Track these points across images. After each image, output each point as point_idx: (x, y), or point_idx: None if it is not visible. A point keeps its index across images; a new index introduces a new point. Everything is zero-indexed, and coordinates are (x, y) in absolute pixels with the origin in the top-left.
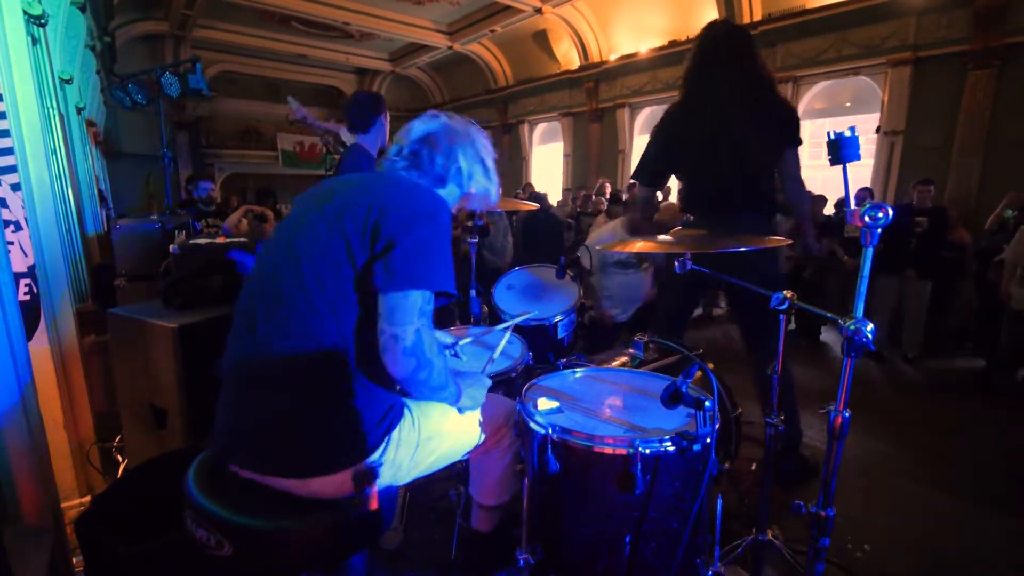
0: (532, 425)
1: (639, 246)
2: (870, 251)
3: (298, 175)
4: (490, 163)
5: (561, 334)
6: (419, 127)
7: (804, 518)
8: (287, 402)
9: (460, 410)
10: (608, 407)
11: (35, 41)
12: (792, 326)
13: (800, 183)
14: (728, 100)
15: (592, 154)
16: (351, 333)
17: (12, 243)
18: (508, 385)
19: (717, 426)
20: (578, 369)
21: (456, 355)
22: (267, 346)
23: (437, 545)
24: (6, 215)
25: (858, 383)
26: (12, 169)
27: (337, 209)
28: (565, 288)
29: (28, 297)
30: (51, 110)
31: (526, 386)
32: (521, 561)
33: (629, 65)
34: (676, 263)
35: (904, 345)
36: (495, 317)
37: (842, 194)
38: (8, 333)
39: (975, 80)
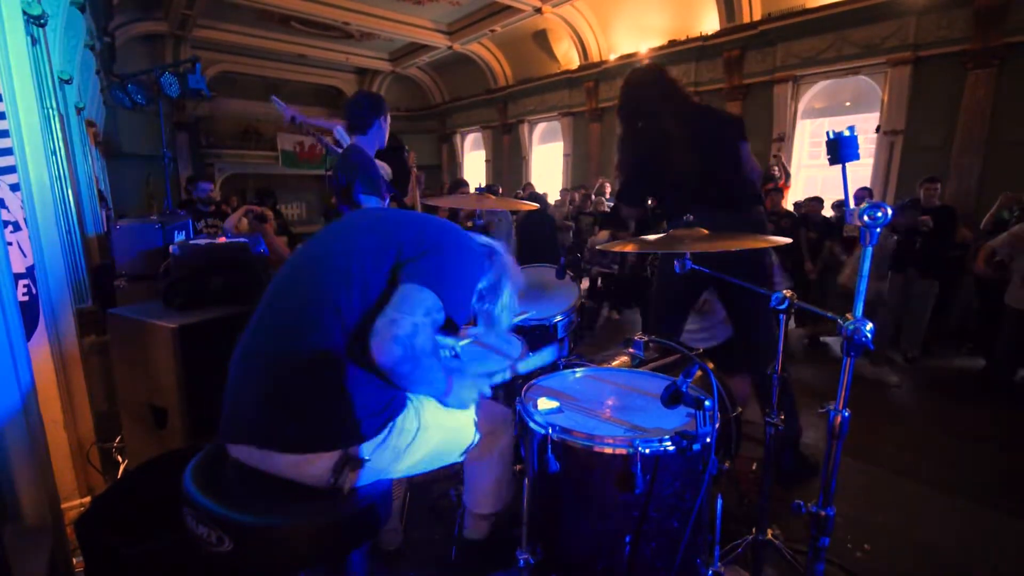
0: (532, 425)
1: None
2: (869, 251)
3: (298, 175)
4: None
5: (561, 334)
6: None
7: (804, 518)
8: (294, 382)
9: (445, 404)
10: (608, 407)
11: (35, 41)
12: (792, 325)
13: (755, 165)
14: (676, 121)
15: (592, 154)
16: (359, 326)
17: (11, 244)
18: (508, 385)
19: (717, 426)
20: (578, 369)
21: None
22: (290, 337)
23: (437, 545)
24: (5, 216)
25: (857, 383)
26: (11, 169)
27: (392, 221)
28: (565, 288)
29: (27, 298)
30: (51, 110)
31: (526, 386)
32: (521, 561)
33: (629, 65)
34: (676, 263)
35: (903, 345)
36: None
37: (841, 194)
38: (8, 334)
39: (975, 80)
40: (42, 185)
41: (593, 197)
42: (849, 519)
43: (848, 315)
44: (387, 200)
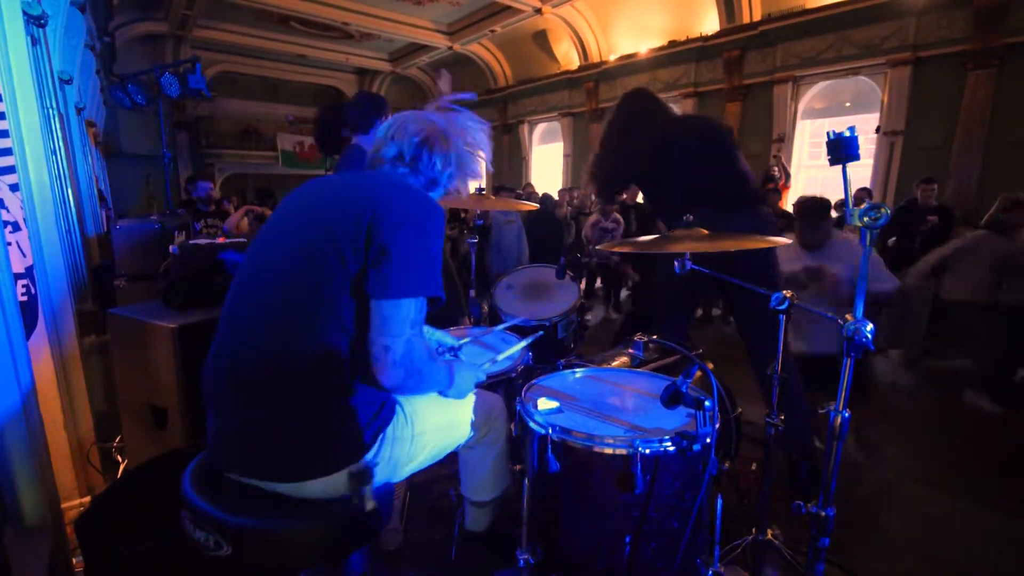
0: (532, 425)
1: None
2: (868, 251)
3: (298, 175)
4: (476, 163)
5: (561, 334)
6: (415, 127)
7: (804, 518)
8: (277, 407)
9: (444, 394)
10: (608, 407)
11: (35, 41)
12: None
13: (748, 171)
14: (664, 131)
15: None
16: (341, 334)
17: (10, 244)
18: (508, 385)
19: (717, 426)
20: (578, 369)
21: (456, 356)
22: (255, 350)
23: (437, 545)
24: (5, 216)
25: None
26: (11, 170)
27: (330, 210)
28: (565, 288)
29: (26, 298)
30: (51, 110)
31: (526, 386)
32: (521, 561)
33: (629, 65)
34: (676, 263)
35: (903, 345)
36: (495, 318)
37: (841, 194)
38: (8, 334)
39: (975, 80)
40: (42, 185)
41: (593, 197)
42: (849, 519)
43: (848, 316)
44: None
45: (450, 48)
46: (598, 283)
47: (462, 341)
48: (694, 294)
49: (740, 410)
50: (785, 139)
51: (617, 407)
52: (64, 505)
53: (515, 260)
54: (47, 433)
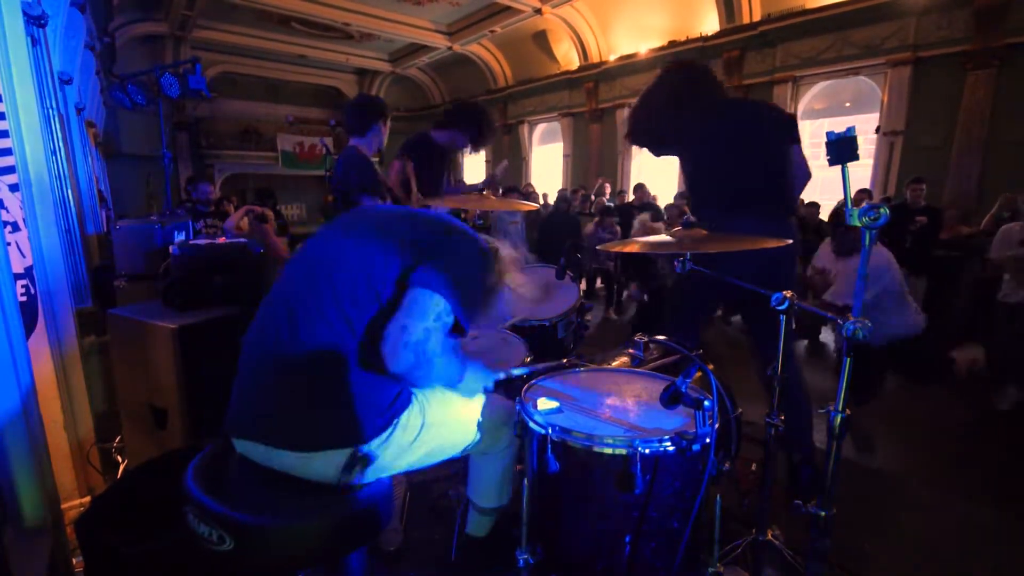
0: (532, 425)
1: (637, 247)
2: (867, 252)
3: (298, 175)
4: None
5: (561, 334)
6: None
7: (804, 518)
8: (302, 381)
9: (452, 389)
10: (608, 407)
11: (35, 41)
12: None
13: (806, 169)
14: (714, 115)
15: (592, 154)
16: (373, 328)
17: (10, 244)
18: (508, 385)
19: (717, 426)
20: (578, 369)
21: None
22: (296, 335)
23: (437, 545)
24: (4, 216)
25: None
26: (11, 170)
27: (398, 220)
28: (565, 288)
29: (26, 298)
30: (51, 110)
31: (526, 386)
32: (521, 561)
33: (629, 65)
34: (676, 263)
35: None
36: None
37: (841, 195)
38: (8, 334)
39: (975, 80)
40: (42, 185)
41: (593, 197)
42: (849, 519)
43: (848, 315)
44: (387, 200)
45: (450, 48)
46: (598, 283)
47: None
48: (705, 300)
49: (740, 410)
50: None
51: (617, 407)
52: (64, 505)
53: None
54: (47, 433)
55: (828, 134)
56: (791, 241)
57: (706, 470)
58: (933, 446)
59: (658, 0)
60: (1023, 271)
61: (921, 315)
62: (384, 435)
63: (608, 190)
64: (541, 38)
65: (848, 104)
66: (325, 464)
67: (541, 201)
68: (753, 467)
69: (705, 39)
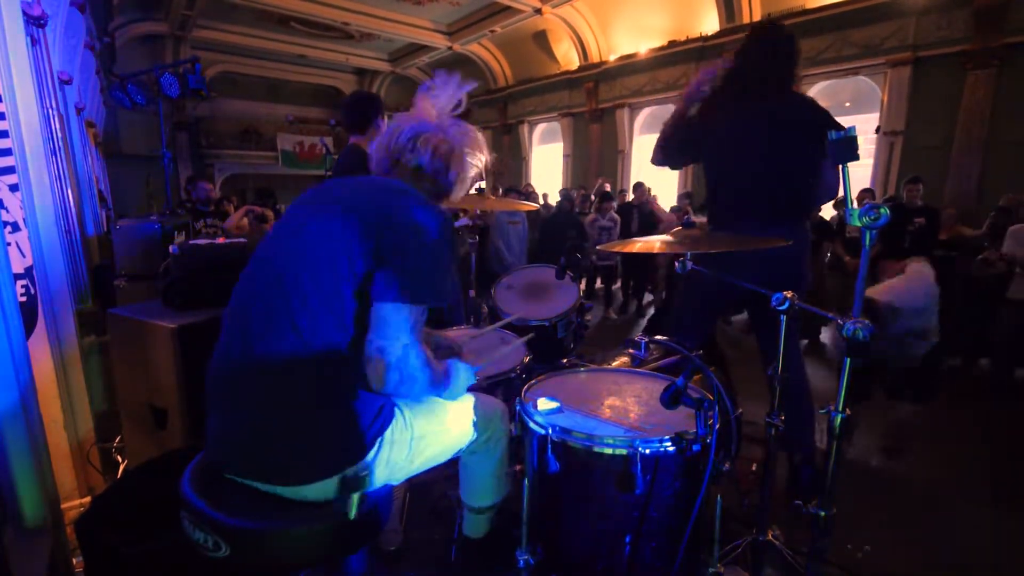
0: (532, 425)
1: (638, 246)
2: (868, 252)
3: (298, 175)
4: (472, 179)
5: (561, 334)
6: (436, 139)
7: (804, 518)
8: (278, 409)
9: (441, 397)
10: (608, 407)
11: (35, 41)
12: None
13: (832, 188)
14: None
15: (592, 154)
16: (343, 337)
17: (10, 244)
18: (508, 385)
19: (717, 427)
20: (578, 369)
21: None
22: (258, 351)
23: (437, 545)
24: (4, 216)
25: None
26: (11, 170)
27: (340, 213)
28: (565, 288)
29: (26, 298)
30: (51, 110)
31: (526, 386)
32: (521, 561)
33: (629, 65)
34: (676, 263)
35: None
36: (496, 318)
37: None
38: (8, 334)
39: (975, 80)
40: (42, 185)
41: (593, 198)
42: (850, 520)
43: (848, 315)
44: None
45: (450, 48)
46: (598, 283)
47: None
48: (713, 301)
49: (740, 410)
50: None
51: (617, 407)
52: (64, 505)
53: (520, 260)
54: (47, 433)
55: (829, 134)
56: (791, 242)
57: (706, 470)
58: (932, 447)
59: (658, 0)
60: None
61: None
62: (371, 453)
63: (608, 190)
64: (541, 38)
65: (848, 104)
66: (318, 491)
67: (541, 201)
68: (753, 467)
69: (705, 39)
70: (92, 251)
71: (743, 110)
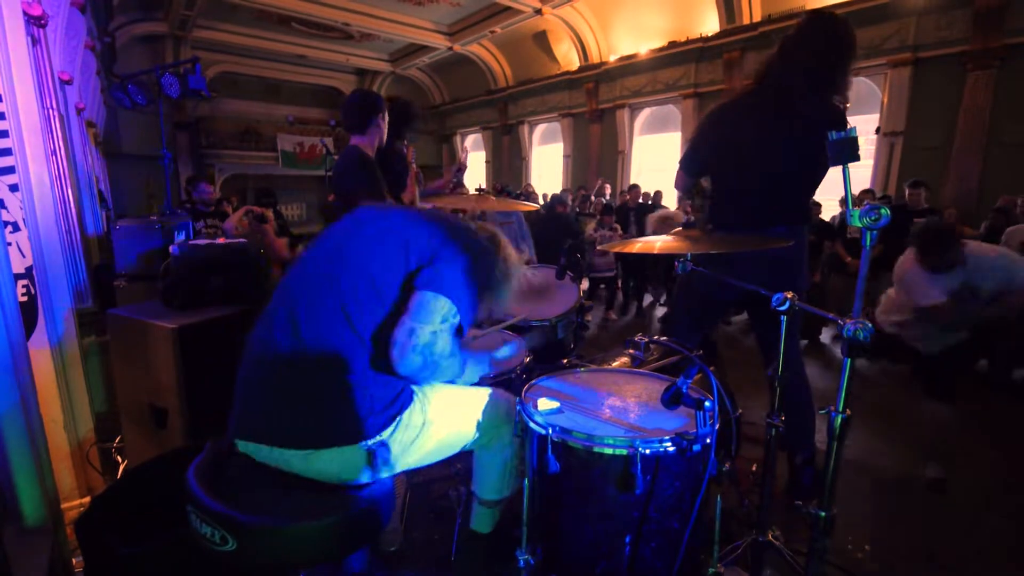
0: (532, 425)
1: (638, 246)
2: (868, 252)
3: (298, 175)
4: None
5: (561, 334)
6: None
7: (804, 518)
8: (307, 382)
9: (452, 381)
10: (608, 407)
11: (35, 41)
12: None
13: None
14: (806, 107)
15: (592, 155)
16: (380, 322)
17: (10, 244)
18: (508, 385)
19: (717, 427)
20: (578, 369)
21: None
22: (300, 335)
23: (437, 545)
24: (4, 216)
25: (858, 383)
26: (11, 170)
27: (402, 225)
28: (565, 288)
29: (26, 298)
30: (51, 110)
31: (526, 386)
32: (521, 562)
33: (629, 66)
34: (676, 263)
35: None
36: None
37: (841, 194)
38: (8, 334)
39: (975, 80)
40: (42, 185)
41: (593, 198)
42: (849, 519)
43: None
44: (386, 199)
45: (450, 48)
46: (599, 284)
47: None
48: (714, 302)
49: (740, 411)
50: None
51: (617, 407)
52: (64, 505)
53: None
54: (47, 433)
55: (830, 134)
56: (791, 242)
57: (706, 470)
58: (932, 447)
59: (658, 0)
60: None
61: None
62: (388, 432)
63: (608, 190)
64: (541, 38)
65: (848, 104)
66: (328, 462)
67: (541, 201)
68: (753, 467)
69: (705, 39)
70: (92, 251)
71: (780, 112)
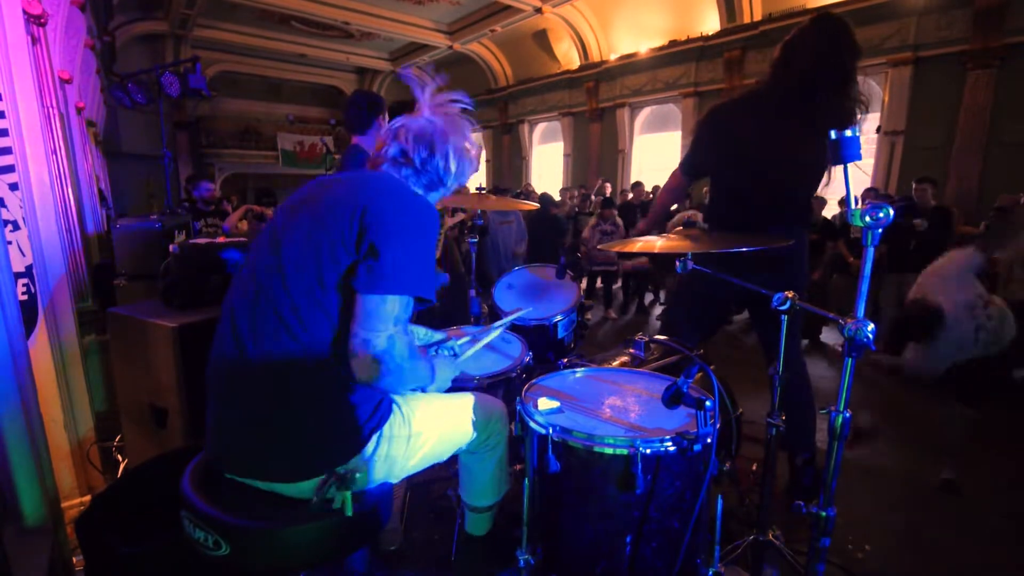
0: (532, 425)
1: (639, 246)
2: (871, 251)
3: (298, 175)
4: (470, 163)
5: (561, 334)
6: (417, 126)
7: (804, 518)
8: (274, 406)
9: (424, 390)
10: (608, 407)
11: (35, 41)
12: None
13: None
14: (814, 109)
15: (592, 154)
16: (333, 333)
17: (10, 243)
18: (508, 385)
19: (718, 426)
20: (578, 369)
21: (455, 354)
22: (251, 348)
23: (437, 545)
24: (4, 215)
25: (858, 383)
26: (11, 169)
27: (325, 208)
28: (565, 288)
29: (26, 297)
30: (51, 110)
31: (526, 386)
32: (521, 561)
33: (629, 65)
34: (677, 263)
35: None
36: (495, 317)
37: (841, 194)
38: (8, 333)
39: (975, 80)
40: (42, 184)
41: (593, 197)
42: (850, 519)
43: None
44: None
45: (450, 47)
46: (598, 283)
47: (461, 341)
48: (718, 307)
49: (741, 410)
50: None
51: (618, 407)
52: (64, 505)
53: (513, 260)
54: (47, 432)
55: (831, 133)
56: (792, 241)
57: (707, 470)
58: (933, 447)
59: (658, 0)
60: None
61: None
62: (368, 449)
63: (608, 190)
64: (541, 37)
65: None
66: (315, 485)
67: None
68: (753, 467)
69: (706, 39)
70: (92, 250)
71: (783, 114)
